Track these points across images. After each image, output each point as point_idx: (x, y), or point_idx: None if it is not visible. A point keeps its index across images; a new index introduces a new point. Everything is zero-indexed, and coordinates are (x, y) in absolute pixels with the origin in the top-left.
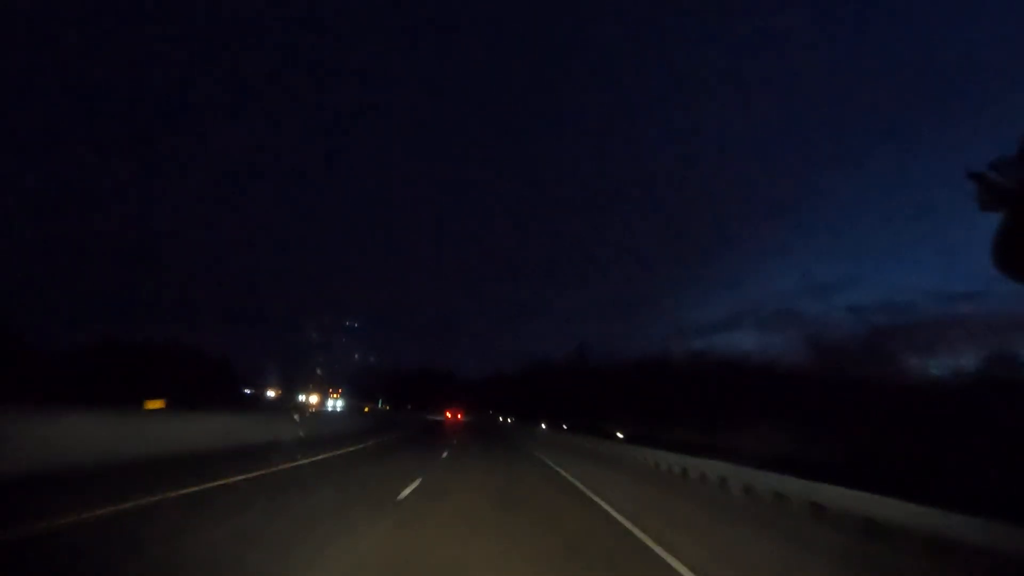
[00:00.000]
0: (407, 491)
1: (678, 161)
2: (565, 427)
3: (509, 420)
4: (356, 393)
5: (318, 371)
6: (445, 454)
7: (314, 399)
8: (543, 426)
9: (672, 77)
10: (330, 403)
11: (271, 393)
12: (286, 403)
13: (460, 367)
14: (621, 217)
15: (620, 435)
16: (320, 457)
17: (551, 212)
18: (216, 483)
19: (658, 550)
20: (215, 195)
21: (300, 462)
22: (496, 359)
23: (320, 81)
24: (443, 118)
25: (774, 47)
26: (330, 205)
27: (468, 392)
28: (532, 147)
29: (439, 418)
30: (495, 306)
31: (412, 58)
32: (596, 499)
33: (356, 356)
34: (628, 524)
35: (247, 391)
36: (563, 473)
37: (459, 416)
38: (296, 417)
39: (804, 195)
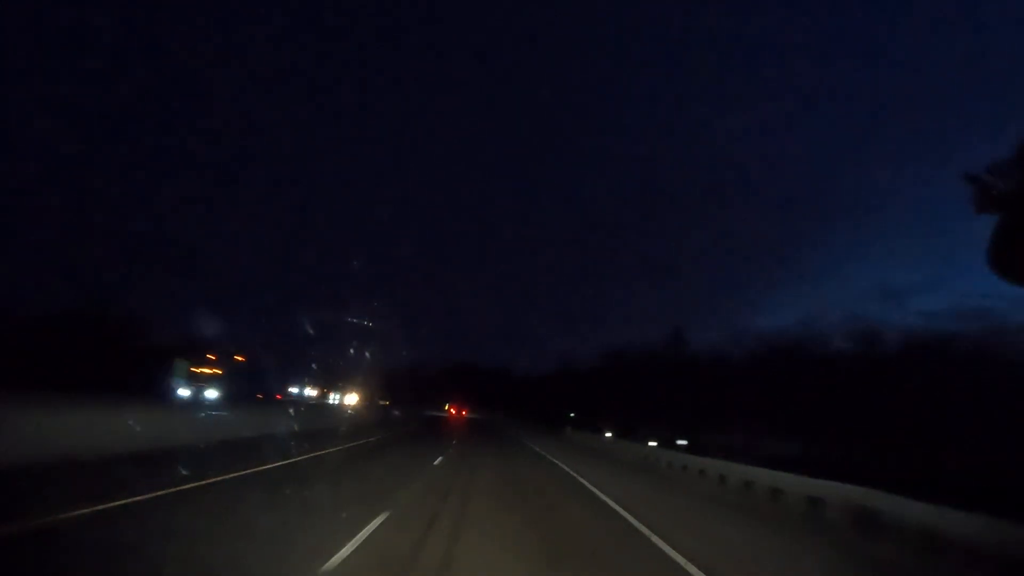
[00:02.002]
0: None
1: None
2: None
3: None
4: (390, 392)
5: (313, 366)
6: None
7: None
8: None
9: (757, 78)
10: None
11: (312, 391)
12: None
13: (535, 366)
14: (689, 217)
15: None
16: None
17: (628, 210)
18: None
19: None
20: (264, 193)
21: None
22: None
23: (360, 68)
24: (514, 104)
25: (860, 50)
26: (393, 201)
27: (519, 389)
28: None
29: (442, 415)
30: (561, 304)
31: (478, 39)
32: None
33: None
34: None
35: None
36: None
37: (463, 413)
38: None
39: (879, 198)
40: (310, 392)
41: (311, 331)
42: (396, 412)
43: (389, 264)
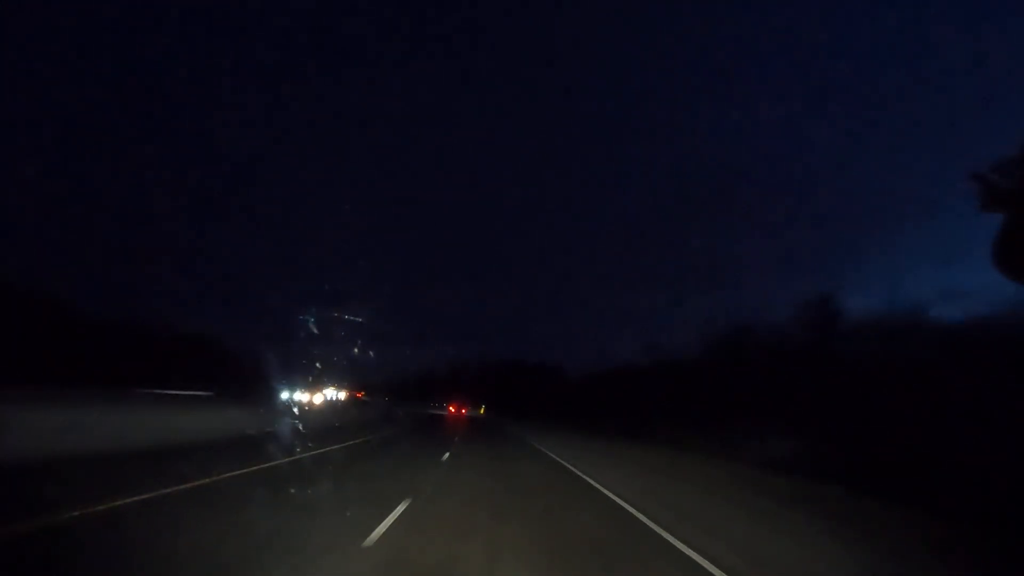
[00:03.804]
0: None
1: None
2: None
3: None
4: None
5: (322, 365)
6: None
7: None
8: None
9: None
10: None
11: (341, 393)
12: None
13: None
14: (734, 216)
15: None
16: None
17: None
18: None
19: None
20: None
21: None
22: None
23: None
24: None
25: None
26: (426, 199)
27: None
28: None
29: (442, 413)
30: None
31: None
32: None
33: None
34: None
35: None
36: None
37: (463, 411)
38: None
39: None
40: (340, 394)
41: (315, 330)
42: (399, 412)
43: (405, 261)
